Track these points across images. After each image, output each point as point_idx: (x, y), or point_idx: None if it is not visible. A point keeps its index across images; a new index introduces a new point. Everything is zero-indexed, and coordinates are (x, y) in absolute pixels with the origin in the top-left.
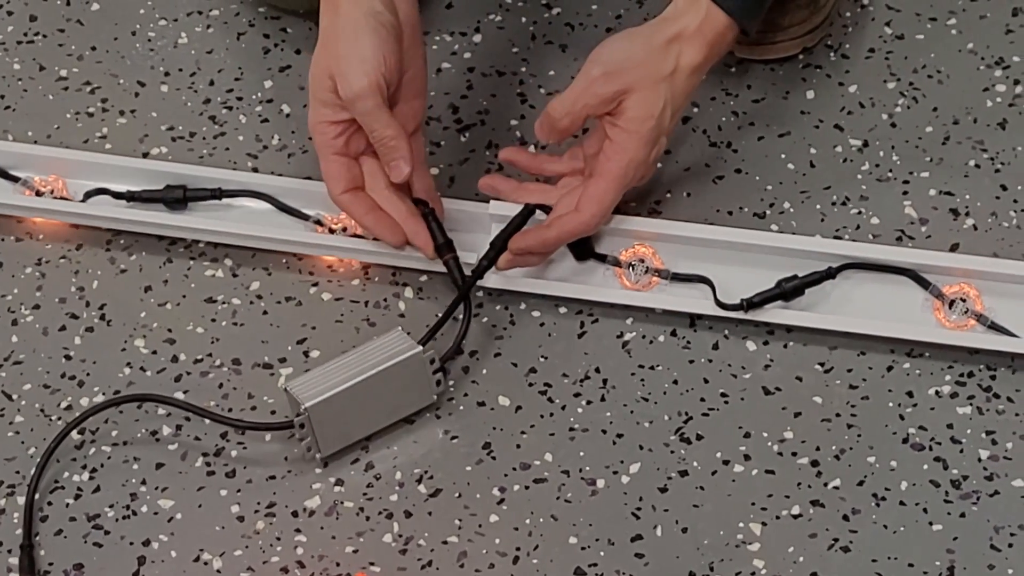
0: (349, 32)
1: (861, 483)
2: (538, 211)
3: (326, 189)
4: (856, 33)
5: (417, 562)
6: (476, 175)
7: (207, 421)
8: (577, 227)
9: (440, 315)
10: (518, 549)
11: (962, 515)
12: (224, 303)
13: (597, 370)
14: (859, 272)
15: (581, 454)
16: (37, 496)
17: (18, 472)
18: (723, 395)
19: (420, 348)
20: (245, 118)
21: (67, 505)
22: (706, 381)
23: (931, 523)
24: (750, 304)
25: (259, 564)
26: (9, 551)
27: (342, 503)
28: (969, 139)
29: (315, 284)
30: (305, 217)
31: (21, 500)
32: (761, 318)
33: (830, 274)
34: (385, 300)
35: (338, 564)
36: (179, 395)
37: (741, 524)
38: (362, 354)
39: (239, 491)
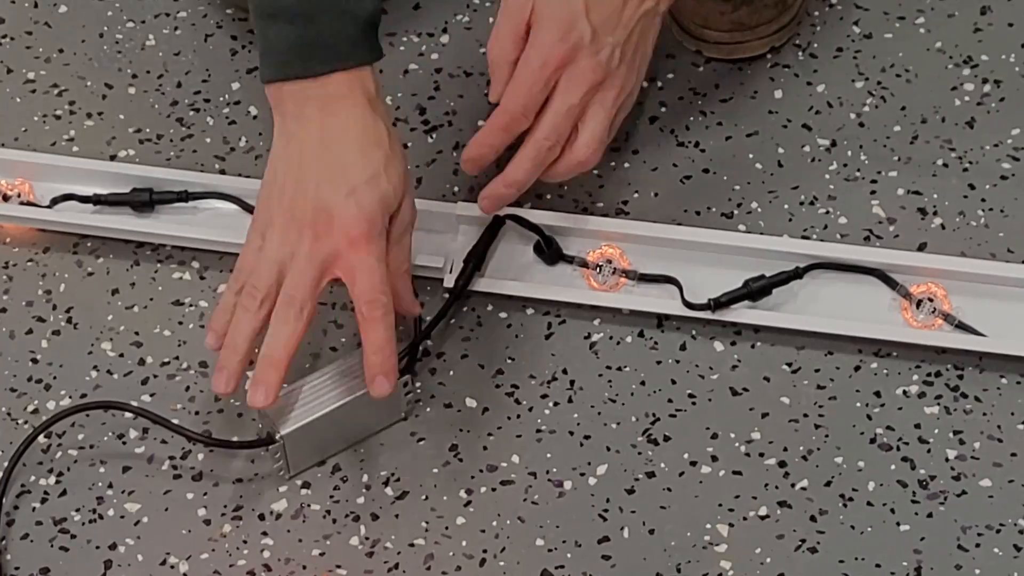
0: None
1: (828, 483)
2: (508, 222)
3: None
4: (824, 32)
5: (384, 564)
6: (443, 176)
7: (175, 421)
8: (499, 119)
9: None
10: (485, 551)
11: (929, 515)
12: (191, 306)
13: (564, 371)
14: (827, 272)
15: (548, 456)
16: (4, 500)
17: None
18: (690, 396)
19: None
20: (212, 120)
21: (33, 509)
22: (673, 382)
23: (898, 523)
24: (717, 304)
25: (226, 567)
26: None
27: (309, 506)
28: (937, 138)
29: None
30: None
31: None
32: (728, 318)
33: (797, 274)
34: (352, 303)
35: (305, 567)
36: (146, 398)
37: (708, 525)
38: (336, 375)
39: (205, 494)
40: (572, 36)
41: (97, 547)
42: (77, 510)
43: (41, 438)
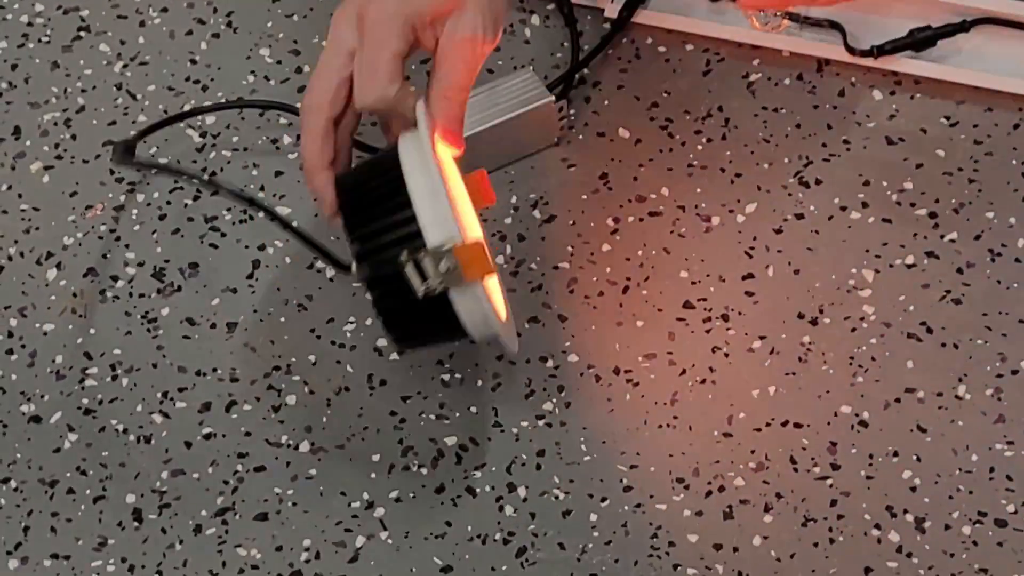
0: None
1: (978, 237)
2: None
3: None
4: None
5: (528, 284)
6: None
7: None
8: None
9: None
10: (628, 279)
11: None
12: None
13: (720, 108)
14: (994, 27)
15: (698, 190)
16: (156, 194)
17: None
18: (845, 142)
19: (551, 97)
20: None
21: (185, 205)
22: (829, 127)
23: None
24: (880, 51)
25: None
26: (127, 246)
27: None
28: None
29: None
30: None
31: (141, 198)
32: (890, 67)
33: (964, 27)
34: (511, 26)
35: None
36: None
37: (854, 270)
38: (492, 94)
39: None
40: None
41: (246, 247)
42: (228, 209)
43: (196, 137)
